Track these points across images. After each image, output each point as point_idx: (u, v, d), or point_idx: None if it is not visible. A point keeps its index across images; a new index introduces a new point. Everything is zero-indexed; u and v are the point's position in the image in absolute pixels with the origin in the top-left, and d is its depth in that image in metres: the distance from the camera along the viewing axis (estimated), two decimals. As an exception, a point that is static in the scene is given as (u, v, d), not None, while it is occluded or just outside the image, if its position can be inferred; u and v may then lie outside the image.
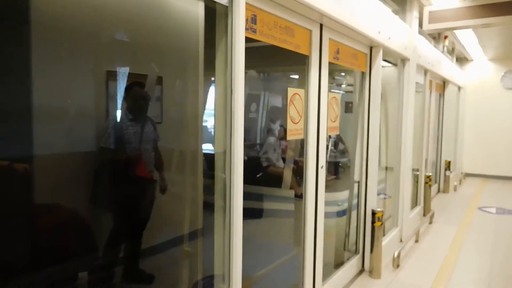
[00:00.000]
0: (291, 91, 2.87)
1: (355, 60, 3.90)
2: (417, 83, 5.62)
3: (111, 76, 3.62)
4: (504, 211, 6.99)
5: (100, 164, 3.15)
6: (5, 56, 2.04)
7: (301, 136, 3.02)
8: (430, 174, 6.63)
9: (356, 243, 4.26)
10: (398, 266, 4.33)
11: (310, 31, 3.01)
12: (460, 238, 5.43)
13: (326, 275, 3.52)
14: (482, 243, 5.31)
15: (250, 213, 3.57)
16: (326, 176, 3.42)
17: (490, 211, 6.97)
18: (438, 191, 8.50)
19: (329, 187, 3.60)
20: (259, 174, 5.33)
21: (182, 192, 3.01)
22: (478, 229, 5.93)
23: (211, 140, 2.43)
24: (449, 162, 8.54)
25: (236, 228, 2.23)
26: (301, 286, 3.17)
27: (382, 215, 4.05)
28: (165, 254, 3.10)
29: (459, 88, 9.78)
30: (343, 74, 5.64)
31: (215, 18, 2.26)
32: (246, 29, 2.29)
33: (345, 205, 4.28)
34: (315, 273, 3.24)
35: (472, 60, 10.55)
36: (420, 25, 5.57)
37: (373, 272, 4.07)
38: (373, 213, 4.04)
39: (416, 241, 5.23)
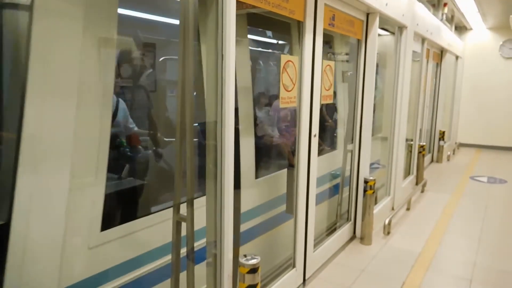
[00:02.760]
0: (284, 58, 2.82)
1: (351, 27, 3.82)
2: (414, 51, 5.54)
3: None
4: (495, 180, 7.09)
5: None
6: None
7: (294, 105, 3.00)
8: (424, 144, 6.67)
9: (348, 210, 4.33)
10: (389, 233, 4.43)
11: (305, -5, 2.93)
12: (451, 206, 5.54)
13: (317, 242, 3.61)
14: (472, 210, 5.42)
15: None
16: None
17: (481, 180, 7.07)
18: (432, 161, 8.58)
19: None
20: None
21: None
22: (469, 197, 6.03)
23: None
24: (443, 132, 8.57)
25: (228, 195, 2.25)
26: (293, 252, 3.24)
27: (374, 184, 4.10)
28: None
29: (457, 57, 9.67)
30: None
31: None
32: (238, -8, 2.21)
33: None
34: (306, 240, 3.31)
35: (471, 29, 10.38)
36: (419, -9, 5.43)
37: (364, 239, 4.16)
38: (365, 182, 4.08)
39: (408, 209, 5.32)
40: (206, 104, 2.28)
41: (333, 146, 4.63)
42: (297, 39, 3.54)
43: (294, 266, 3.21)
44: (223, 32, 2.14)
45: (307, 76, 3.05)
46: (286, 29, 3.66)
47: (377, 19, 4.02)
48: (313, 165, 3.27)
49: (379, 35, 4.18)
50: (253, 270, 2.19)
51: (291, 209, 3.26)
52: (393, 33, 5.05)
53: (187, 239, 2.23)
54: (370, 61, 4.08)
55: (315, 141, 3.24)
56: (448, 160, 8.80)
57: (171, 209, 2.17)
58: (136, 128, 3.13)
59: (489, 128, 10.22)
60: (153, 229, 2.35)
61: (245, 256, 2.23)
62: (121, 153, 2.88)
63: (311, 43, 3.06)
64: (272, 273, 3.17)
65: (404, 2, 4.65)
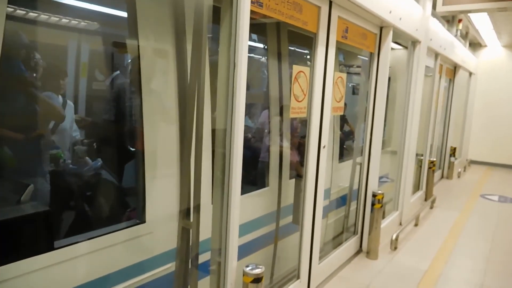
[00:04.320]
0: (296, 68, 2.83)
1: (364, 40, 3.82)
2: (427, 66, 5.51)
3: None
4: (506, 199, 6.97)
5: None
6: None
7: (304, 115, 2.99)
8: (434, 159, 6.60)
9: (355, 224, 4.29)
10: (395, 248, 4.36)
11: (319, 7, 2.94)
12: (459, 224, 5.44)
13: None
14: (481, 229, 5.32)
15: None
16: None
17: (492, 199, 6.95)
18: (442, 177, 8.47)
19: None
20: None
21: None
22: (478, 216, 5.93)
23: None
24: (455, 149, 8.47)
25: (234, 203, 2.24)
26: (298, 265, 3.21)
27: (382, 198, 4.06)
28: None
29: (470, 74, 9.59)
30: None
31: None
32: (252, 2, 2.23)
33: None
34: (312, 252, 3.28)
35: (485, 46, 10.30)
36: (434, 6, 5.42)
37: (370, 253, 4.11)
38: (374, 195, 4.04)
39: (416, 225, 5.25)
40: (216, 111, 2.29)
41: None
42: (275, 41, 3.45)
43: (298, 277, 3.18)
44: (236, 41, 2.16)
45: (318, 87, 3.05)
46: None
47: (391, 33, 4.02)
48: (321, 177, 3.25)
49: (392, 49, 4.17)
50: (257, 279, 2.17)
51: (297, 220, 3.24)
52: (405, 47, 5.03)
53: (192, 245, 2.23)
54: (382, 75, 4.07)
55: (324, 152, 3.23)
56: (458, 177, 8.67)
57: (92, 240, 1.92)
58: (78, 137, 2.82)
59: (501, 146, 10.07)
60: (57, 268, 1.79)
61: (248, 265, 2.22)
62: (57, 169, 2.43)
63: (323, 54, 3.06)
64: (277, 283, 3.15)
65: (418, 17, 4.65)
